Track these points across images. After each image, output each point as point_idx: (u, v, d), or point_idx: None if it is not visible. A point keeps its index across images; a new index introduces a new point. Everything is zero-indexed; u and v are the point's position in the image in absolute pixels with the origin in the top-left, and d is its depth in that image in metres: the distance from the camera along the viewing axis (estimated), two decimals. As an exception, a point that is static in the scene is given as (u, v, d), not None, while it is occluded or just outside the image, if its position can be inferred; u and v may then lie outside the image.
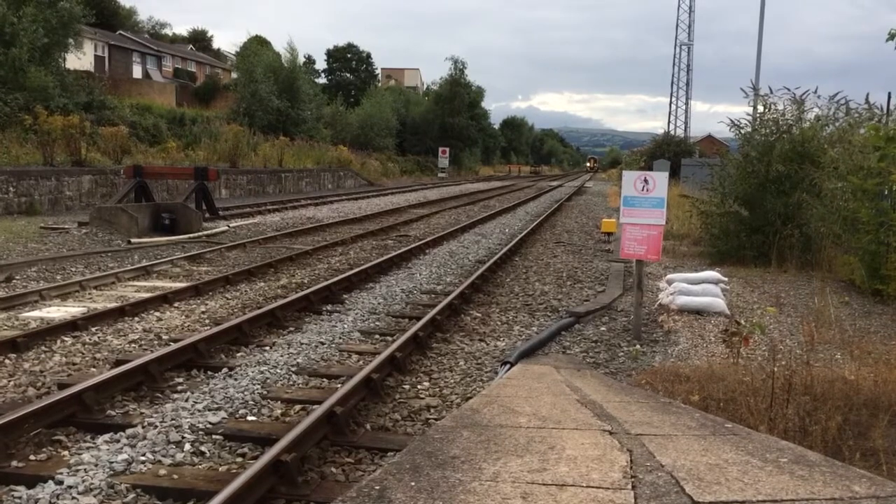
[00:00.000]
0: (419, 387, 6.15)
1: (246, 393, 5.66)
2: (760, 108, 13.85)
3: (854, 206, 10.85)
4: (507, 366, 6.35)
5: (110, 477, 4.15)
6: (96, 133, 24.48)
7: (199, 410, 5.24)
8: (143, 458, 4.40)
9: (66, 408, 4.99)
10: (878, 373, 5.62)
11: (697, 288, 8.71)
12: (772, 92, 13.49)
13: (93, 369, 6.25)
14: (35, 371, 6.14)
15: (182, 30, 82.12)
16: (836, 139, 12.62)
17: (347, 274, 10.58)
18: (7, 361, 6.32)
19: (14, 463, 4.35)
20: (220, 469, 4.38)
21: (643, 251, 7.52)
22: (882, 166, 10.00)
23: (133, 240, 14.35)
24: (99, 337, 7.25)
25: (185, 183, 20.57)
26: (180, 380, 6.04)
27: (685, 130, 74.23)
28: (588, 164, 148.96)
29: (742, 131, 14.02)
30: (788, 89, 13.15)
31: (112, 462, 4.32)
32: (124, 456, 4.40)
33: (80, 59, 35.67)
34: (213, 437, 4.81)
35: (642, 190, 7.43)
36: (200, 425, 4.95)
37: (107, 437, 4.74)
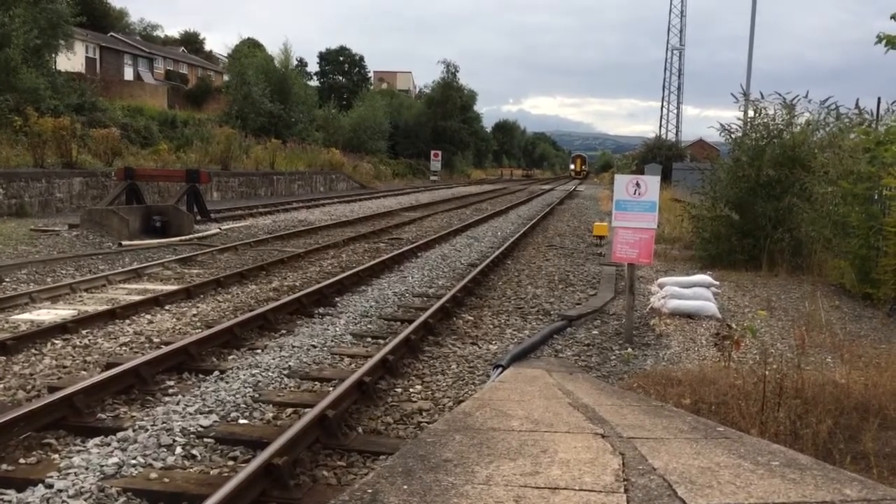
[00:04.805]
0: (411, 390, 6.14)
1: (237, 396, 5.64)
2: (751, 113, 13.93)
3: (844, 210, 10.92)
4: (500, 369, 6.35)
5: (101, 480, 4.12)
6: (87, 135, 24.36)
7: (190, 414, 5.21)
8: (133, 462, 4.37)
9: (57, 411, 4.95)
10: (869, 376, 5.65)
11: (689, 291, 8.75)
12: (763, 97, 13.59)
13: (83, 372, 6.21)
14: (25, 374, 6.09)
15: (174, 32, 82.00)
16: (827, 144, 12.70)
17: (339, 277, 10.55)
18: (-4, 364, 6.28)
19: (4, 466, 4.31)
20: (211, 472, 4.36)
21: (635, 255, 7.54)
22: (873, 170, 10.07)
23: (124, 242, 14.29)
24: (89, 340, 7.21)
25: (177, 185, 20.50)
26: (171, 383, 6.01)
27: (676, 134, 74.52)
28: (572, 168, 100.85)
29: (733, 136, 14.09)
30: (779, 94, 13.25)
31: (102, 466, 4.29)
32: (115, 459, 4.37)
33: (69, 59, 35.58)
34: (205, 440, 4.79)
35: (634, 194, 7.45)
36: (191, 429, 4.92)
37: (97, 440, 4.71)
